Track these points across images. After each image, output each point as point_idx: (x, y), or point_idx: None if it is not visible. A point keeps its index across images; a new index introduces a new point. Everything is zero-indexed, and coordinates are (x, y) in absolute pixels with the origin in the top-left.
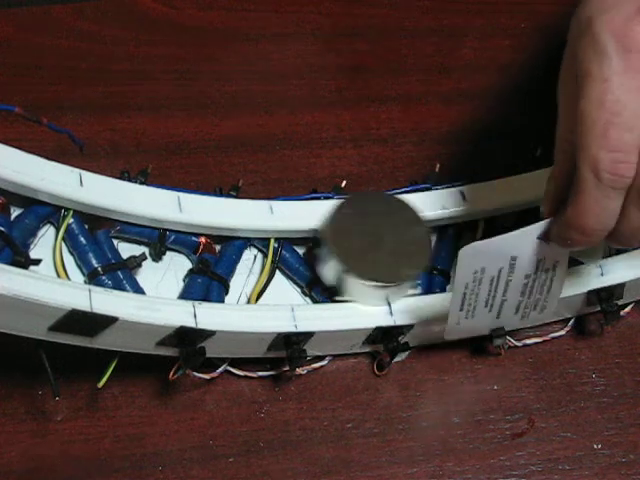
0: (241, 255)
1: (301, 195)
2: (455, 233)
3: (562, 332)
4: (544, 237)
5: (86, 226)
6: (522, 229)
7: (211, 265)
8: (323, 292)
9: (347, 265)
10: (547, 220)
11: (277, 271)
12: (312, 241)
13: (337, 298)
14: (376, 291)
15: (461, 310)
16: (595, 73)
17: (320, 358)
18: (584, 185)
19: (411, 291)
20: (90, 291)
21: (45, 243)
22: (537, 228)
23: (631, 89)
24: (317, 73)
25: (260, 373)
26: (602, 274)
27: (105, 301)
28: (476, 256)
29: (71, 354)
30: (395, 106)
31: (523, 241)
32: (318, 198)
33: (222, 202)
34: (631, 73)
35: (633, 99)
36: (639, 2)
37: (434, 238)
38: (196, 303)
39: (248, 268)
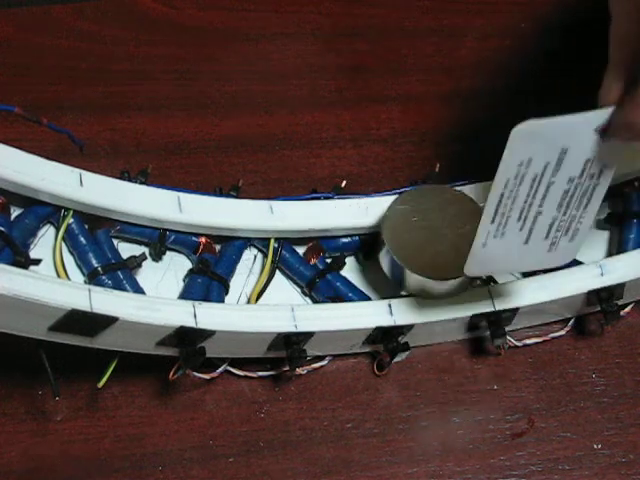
0: (241, 255)
1: (301, 195)
2: None
3: (562, 332)
4: (603, 131)
5: (86, 226)
6: (582, 114)
7: (211, 265)
8: (395, 289)
9: (406, 261)
10: (609, 109)
11: (277, 271)
12: (371, 237)
13: (402, 293)
14: (438, 285)
15: (493, 222)
16: None
17: (320, 358)
18: None
19: (471, 284)
20: (90, 291)
21: (45, 243)
22: (598, 116)
23: None
24: (317, 73)
25: (260, 373)
26: (602, 274)
27: (105, 301)
28: (528, 139)
29: (71, 354)
30: (395, 106)
31: (579, 129)
32: (318, 198)
33: (222, 202)
34: None
35: None
36: None
37: None
38: (196, 303)
39: (248, 268)
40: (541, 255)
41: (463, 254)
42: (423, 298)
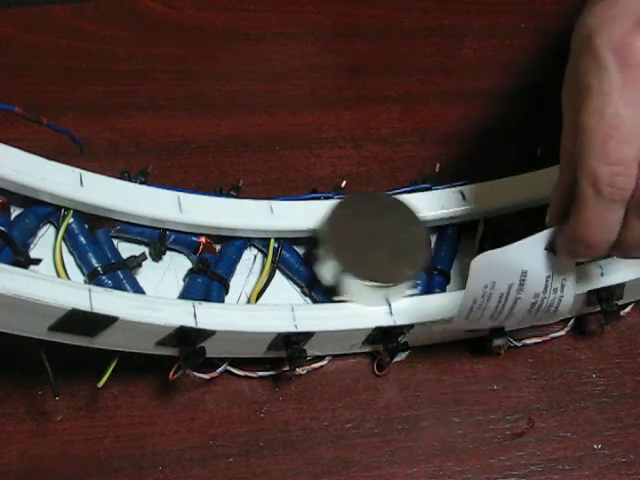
0: (241, 255)
1: (301, 195)
2: (455, 233)
3: (562, 332)
4: (551, 248)
5: (86, 226)
6: (530, 237)
7: (211, 265)
8: (323, 292)
9: (345, 265)
10: (552, 230)
11: (277, 271)
12: (310, 242)
13: (336, 298)
14: (375, 291)
15: (467, 319)
16: (595, 87)
17: (320, 358)
18: (584, 198)
19: (410, 291)
20: (90, 291)
21: (45, 243)
22: (544, 236)
23: (630, 103)
24: (317, 73)
25: (260, 373)
26: (602, 274)
27: (105, 301)
28: (488, 268)
29: (71, 354)
30: (395, 106)
31: (532, 251)
32: (318, 198)
33: (222, 202)
34: (630, 87)
35: (632, 113)
36: (637, 15)
37: (434, 238)
38: (196, 303)
39: (248, 268)
40: (518, 326)
41: (400, 261)
42: (358, 304)
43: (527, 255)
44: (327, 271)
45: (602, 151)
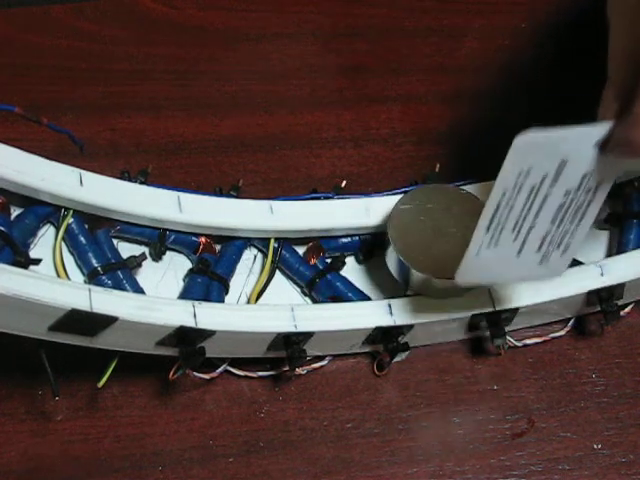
0: (241, 255)
1: (301, 195)
2: None
3: (562, 332)
4: (602, 146)
5: (86, 226)
6: (583, 127)
7: (211, 265)
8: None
9: (412, 261)
10: (608, 125)
11: (277, 271)
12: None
13: (408, 293)
14: (444, 284)
15: (487, 231)
16: None
17: (320, 358)
18: None
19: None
20: (90, 291)
21: (45, 243)
22: (598, 130)
23: None
24: (317, 73)
25: (260, 373)
26: (602, 274)
27: (105, 301)
28: (530, 149)
29: (71, 354)
30: (395, 106)
31: (580, 142)
32: (318, 198)
33: (222, 202)
34: None
35: None
36: None
37: None
38: (196, 303)
39: (248, 268)
40: (532, 267)
41: None
42: (430, 297)
43: (573, 144)
44: (396, 267)
45: None
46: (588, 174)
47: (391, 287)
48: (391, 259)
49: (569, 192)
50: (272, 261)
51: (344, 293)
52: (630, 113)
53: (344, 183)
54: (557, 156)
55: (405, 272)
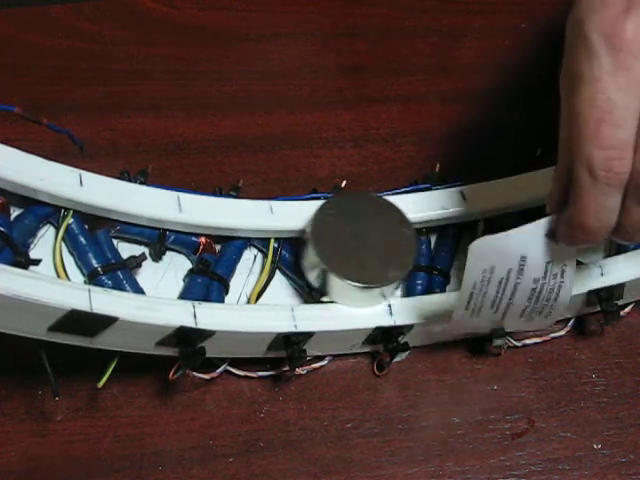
0: (241, 255)
1: (301, 195)
2: (455, 233)
3: (562, 332)
4: (551, 235)
5: (86, 226)
6: (531, 224)
7: (211, 265)
8: (310, 293)
9: (331, 266)
10: (552, 217)
11: (277, 271)
12: (297, 242)
13: (322, 299)
14: (361, 292)
15: (466, 309)
16: (586, 73)
17: (320, 358)
18: (581, 184)
19: (395, 292)
20: (90, 291)
21: (45, 243)
22: (545, 223)
23: (621, 87)
24: (317, 73)
25: (260, 373)
26: (602, 274)
27: (105, 301)
28: (486, 253)
29: (71, 354)
30: (395, 106)
31: (532, 238)
32: (318, 198)
33: (222, 202)
34: (621, 71)
35: (623, 96)
36: (626, 1)
37: (434, 238)
38: (196, 303)
39: (248, 268)
40: (519, 324)
41: (388, 262)
42: (344, 305)
43: (527, 241)
44: (313, 272)
45: (595, 136)
46: (550, 261)
47: (312, 294)
48: (308, 263)
49: (537, 279)
50: (272, 261)
51: None
52: (568, 208)
53: (344, 183)
54: (515, 253)
55: (323, 278)
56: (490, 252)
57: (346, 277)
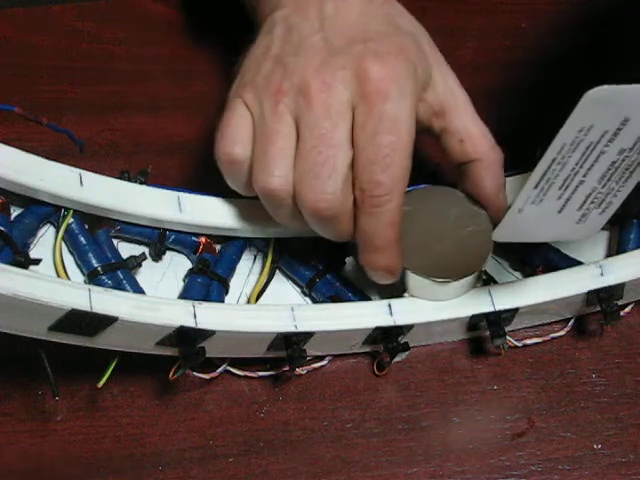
0: (241, 255)
1: None
2: None
3: (562, 332)
4: None
5: (86, 226)
6: None
7: (211, 265)
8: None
9: (409, 262)
10: None
11: (277, 271)
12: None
13: (405, 295)
14: (435, 286)
15: (536, 187)
16: None
17: (320, 358)
18: None
19: (476, 285)
20: (90, 291)
21: (45, 243)
22: None
23: None
24: None
25: (260, 373)
26: (602, 274)
27: (105, 301)
28: (597, 105)
29: (71, 354)
30: None
31: None
32: None
33: (222, 202)
34: None
35: None
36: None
37: None
38: (196, 303)
39: (248, 268)
40: (570, 225)
41: (465, 256)
42: (425, 299)
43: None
44: None
45: None
46: None
47: (391, 287)
48: None
49: (623, 151)
50: (272, 261)
51: (344, 293)
52: None
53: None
54: (621, 113)
55: (402, 274)
56: (601, 105)
57: (423, 272)
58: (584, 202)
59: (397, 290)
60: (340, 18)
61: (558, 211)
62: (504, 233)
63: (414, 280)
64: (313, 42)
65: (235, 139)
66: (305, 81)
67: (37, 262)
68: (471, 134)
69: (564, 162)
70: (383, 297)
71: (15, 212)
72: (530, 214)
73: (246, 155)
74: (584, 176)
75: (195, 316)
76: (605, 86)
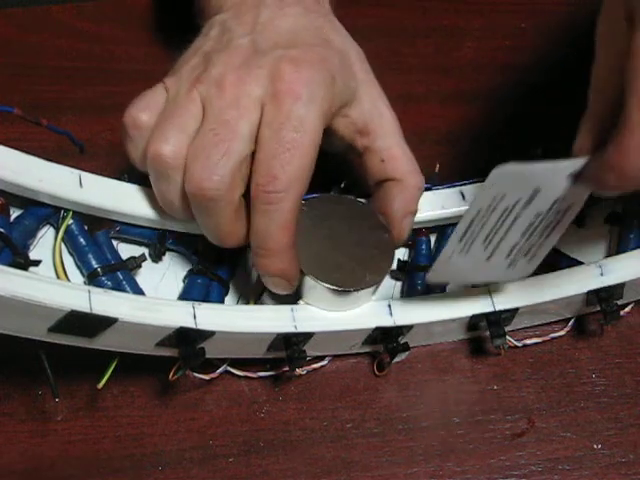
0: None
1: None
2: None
3: (562, 332)
4: (576, 177)
5: (86, 227)
6: (558, 161)
7: (211, 266)
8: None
9: (306, 268)
10: (582, 158)
11: None
12: None
13: (300, 302)
14: (336, 296)
15: (460, 241)
16: None
17: (320, 358)
18: (631, 124)
19: (372, 298)
20: (90, 292)
21: (45, 244)
22: (572, 164)
23: None
24: None
25: (260, 373)
26: (602, 274)
27: (104, 302)
28: (506, 179)
29: (71, 354)
30: (395, 106)
31: (554, 175)
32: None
33: None
34: None
35: None
36: None
37: (434, 238)
38: (196, 304)
39: (247, 268)
40: (500, 271)
41: (365, 269)
42: (319, 309)
43: (548, 176)
44: None
45: None
46: (559, 199)
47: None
48: None
49: (540, 214)
50: None
51: None
52: (604, 155)
53: (343, 184)
54: (531, 186)
55: (300, 279)
56: (509, 179)
57: (322, 280)
58: (510, 252)
59: (293, 297)
60: (272, 25)
61: (486, 259)
62: (437, 275)
63: (310, 286)
64: (241, 43)
65: (144, 107)
66: (222, 74)
67: (37, 263)
68: (393, 155)
69: (483, 222)
70: (382, 297)
71: (15, 213)
72: (459, 261)
73: (150, 123)
74: (506, 233)
75: (195, 317)
76: (511, 164)
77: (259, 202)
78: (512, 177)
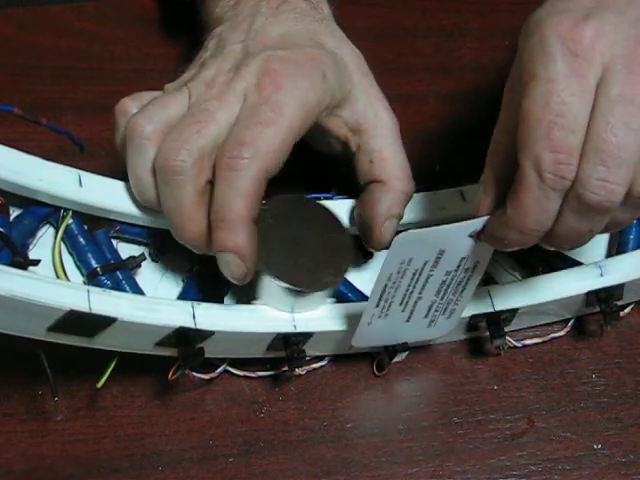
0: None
1: (305, 194)
2: None
3: (562, 332)
4: (477, 235)
5: (85, 226)
6: (458, 224)
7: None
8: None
9: (264, 267)
10: (482, 218)
11: None
12: None
13: (255, 302)
14: (290, 296)
15: (377, 306)
16: (541, 74)
17: (320, 358)
18: (526, 184)
19: (326, 300)
20: (89, 292)
21: (44, 243)
22: (472, 225)
23: (575, 92)
24: None
25: (260, 373)
26: (602, 275)
27: (104, 302)
28: (409, 245)
29: (71, 354)
30: (395, 106)
31: (456, 236)
32: (318, 198)
33: None
34: (575, 76)
35: (576, 102)
36: (588, 9)
37: None
38: (195, 303)
39: None
40: (421, 330)
41: (322, 270)
42: (276, 309)
43: (450, 238)
44: None
45: (546, 138)
46: (466, 257)
47: (243, 291)
48: None
49: (449, 272)
50: None
51: (344, 293)
52: (501, 215)
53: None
54: (435, 248)
55: (256, 279)
56: (412, 245)
57: (279, 279)
58: (428, 311)
59: (248, 296)
60: (265, 31)
61: (406, 320)
62: (360, 340)
63: (267, 285)
64: (233, 48)
65: (137, 99)
66: (213, 75)
67: (36, 263)
68: (383, 157)
69: (396, 285)
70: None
71: (14, 213)
72: (380, 325)
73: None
74: (420, 293)
75: (194, 317)
76: (412, 231)
77: (222, 169)
78: (415, 243)
